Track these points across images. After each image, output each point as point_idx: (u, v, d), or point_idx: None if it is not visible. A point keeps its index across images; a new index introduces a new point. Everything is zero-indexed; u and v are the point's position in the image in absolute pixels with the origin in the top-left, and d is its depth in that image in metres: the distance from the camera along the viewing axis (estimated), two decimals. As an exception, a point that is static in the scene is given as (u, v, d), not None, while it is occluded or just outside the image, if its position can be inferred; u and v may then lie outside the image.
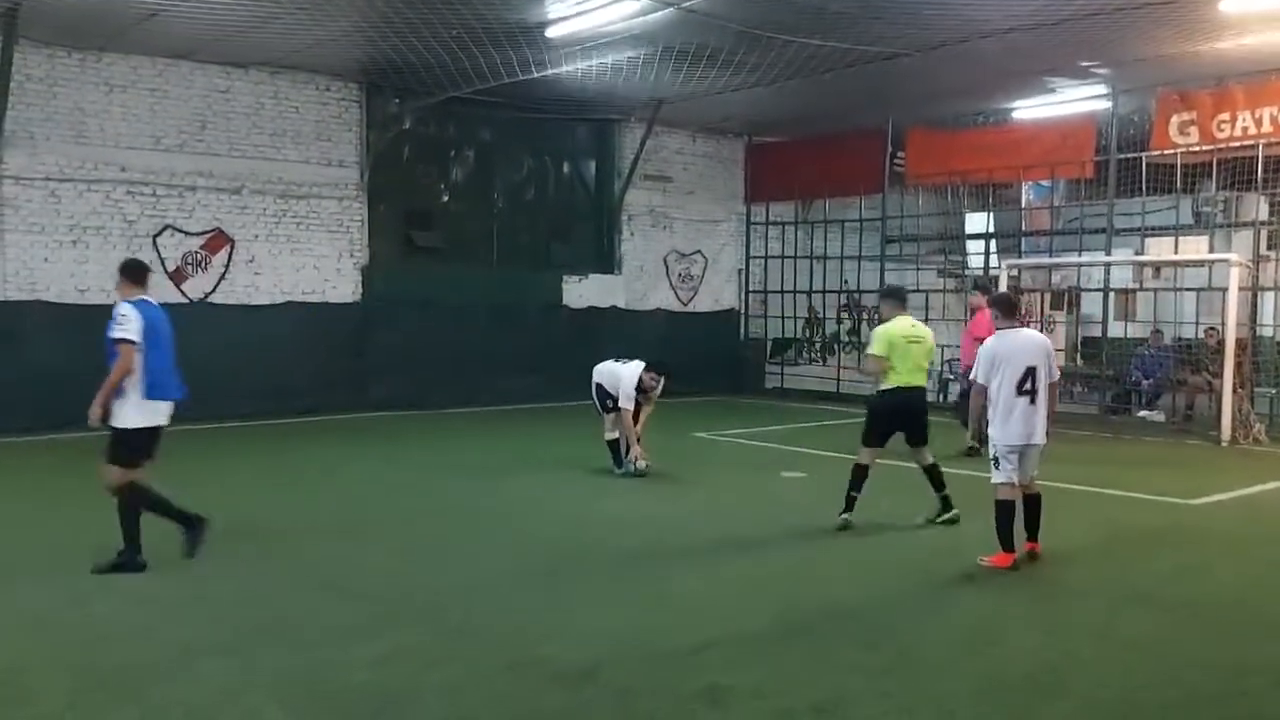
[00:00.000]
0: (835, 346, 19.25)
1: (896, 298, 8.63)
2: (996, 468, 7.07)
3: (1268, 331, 14.84)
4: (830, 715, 4.54)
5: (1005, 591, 6.58)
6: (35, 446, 11.82)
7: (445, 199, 17.43)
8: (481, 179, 17.70)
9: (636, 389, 10.14)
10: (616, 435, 10.38)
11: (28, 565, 6.85)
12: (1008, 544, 6.99)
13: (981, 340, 11.06)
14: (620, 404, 10.19)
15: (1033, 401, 6.98)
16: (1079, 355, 18.49)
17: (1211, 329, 14.80)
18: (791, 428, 14.73)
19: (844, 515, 8.06)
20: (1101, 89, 15.40)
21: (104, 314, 6.80)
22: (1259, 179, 14.12)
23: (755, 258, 20.19)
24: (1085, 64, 14.09)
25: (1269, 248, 14.73)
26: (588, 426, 11.29)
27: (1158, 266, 15.89)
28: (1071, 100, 15.97)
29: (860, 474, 8.12)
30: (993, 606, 6.26)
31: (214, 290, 14.44)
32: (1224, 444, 13.02)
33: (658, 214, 19.05)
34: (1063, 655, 5.34)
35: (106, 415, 6.57)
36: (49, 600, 6.07)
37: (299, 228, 15.14)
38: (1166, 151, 14.80)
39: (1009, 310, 7.51)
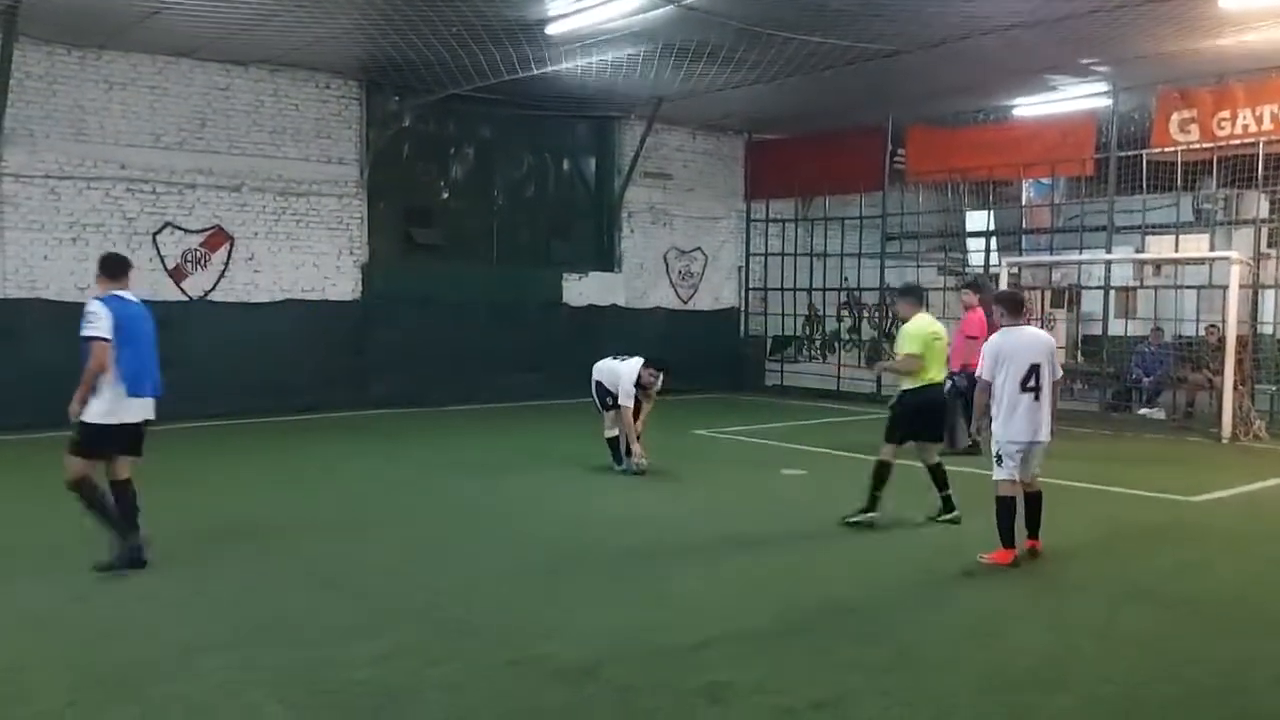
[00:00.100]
0: (835, 344, 19.22)
1: (915, 295, 8.62)
2: (999, 464, 7.07)
3: (1268, 329, 14.83)
4: (831, 712, 4.54)
5: (1006, 588, 6.58)
6: (35, 444, 11.78)
7: (445, 196, 17.41)
8: (481, 176, 17.68)
9: (636, 386, 10.13)
10: (616, 433, 10.37)
11: (27, 563, 6.84)
12: (1008, 541, 7.00)
13: (973, 339, 11.14)
14: (620, 401, 10.18)
15: (1036, 399, 6.99)
16: (1080, 353, 18.46)
17: (1212, 326, 14.79)
18: (791, 425, 14.72)
19: (870, 514, 7.96)
20: (1102, 86, 15.39)
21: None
22: (1259, 176, 14.11)
23: (755, 255, 20.15)
24: (1086, 61, 14.08)
25: (1269, 245, 14.71)
26: (588, 424, 11.28)
27: (1158, 264, 15.88)
28: (1072, 98, 15.96)
29: (885, 471, 7.99)
30: (993, 603, 6.26)
31: (214, 288, 14.43)
32: (1224, 441, 13.03)
33: (658, 211, 19.03)
34: (1064, 652, 5.34)
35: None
36: (49, 598, 6.07)
37: (299, 225, 15.12)
38: (1167, 149, 14.78)
39: (1015, 308, 7.48)
